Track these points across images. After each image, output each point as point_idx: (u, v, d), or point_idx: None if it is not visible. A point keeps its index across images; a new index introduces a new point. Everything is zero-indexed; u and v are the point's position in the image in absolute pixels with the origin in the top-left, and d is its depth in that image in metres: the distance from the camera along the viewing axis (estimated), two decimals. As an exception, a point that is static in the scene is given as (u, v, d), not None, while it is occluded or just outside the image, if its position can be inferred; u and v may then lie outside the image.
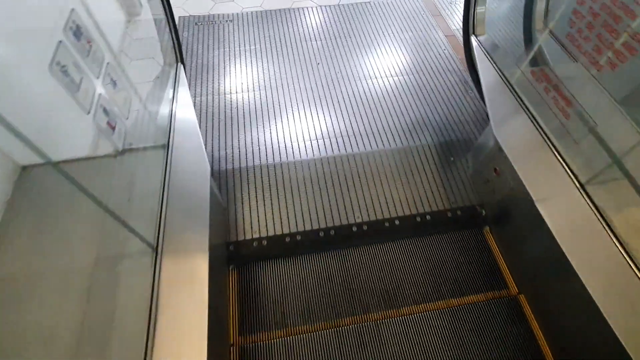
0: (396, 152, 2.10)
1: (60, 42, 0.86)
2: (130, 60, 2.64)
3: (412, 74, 2.55)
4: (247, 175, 1.98)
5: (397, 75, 2.54)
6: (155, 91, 1.96)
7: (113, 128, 1.06)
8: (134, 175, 1.40)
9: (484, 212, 1.92)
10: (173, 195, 1.47)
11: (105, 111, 1.02)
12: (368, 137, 2.18)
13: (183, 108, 1.77)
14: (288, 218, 1.84)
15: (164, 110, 1.72)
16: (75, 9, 0.95)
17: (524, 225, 1.62)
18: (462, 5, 3.06)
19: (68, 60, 0.87)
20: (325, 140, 2.15)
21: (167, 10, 1.98)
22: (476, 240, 1.83)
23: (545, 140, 1.51)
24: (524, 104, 1.62)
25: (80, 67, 0.93)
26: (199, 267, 1.37)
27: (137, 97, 1.44)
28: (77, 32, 0.94)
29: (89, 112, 0.94)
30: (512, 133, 1.64)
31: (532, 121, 1.57)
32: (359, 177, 1.98)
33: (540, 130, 1.54)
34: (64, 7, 0.91)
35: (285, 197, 1.90)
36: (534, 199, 1.48)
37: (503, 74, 1.77)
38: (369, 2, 3.12)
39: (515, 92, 1.67)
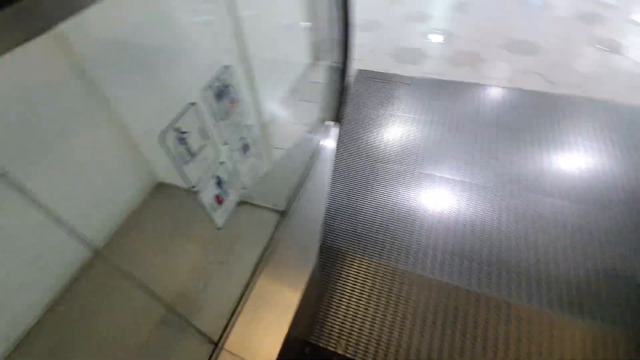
0: (578, 327, 1.39)
1: (193, 105, 0.71)
2: (297, 100, 2.71)
3: (623, 211, 1.76)
4: (360, 266, 1.63)
5: (599, 207, 1.79)
6: (299, 145, 1.84)
7: (220, 202, 0.87)
8: (232, 239, 1.23)
9: None
10: (267, 273, 1.24)
11: (218, 183, 0.84)
12: (538, 284, 1.54)
13: (320, 173, 1.58)
14: (387, 346, 1.39)
15: (298, 169, 1.55)
16: (232, 67, 0.80)
17: None
18: None
19: (192, 125, 0.72)
20: (472, 262, 1.62)
21: (344, 65, 1.86)
22: None
23: None
24: None
25: (207, 132, 0.76)
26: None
27: (269, 155, 1.30)
28: (223, 92, 0.79)
29: (193, 187, 0.76)
30: None
31: None
32: (508, 343, 1.37)
33: None
34: (213, 64, 0.77)
35: (393, 316, 1.46)
36: None
37: None
38: (582, 96, 2.42)
39: None
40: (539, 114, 2.33)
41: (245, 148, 0.94)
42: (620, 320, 1.41)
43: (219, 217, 0.89)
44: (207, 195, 0.81)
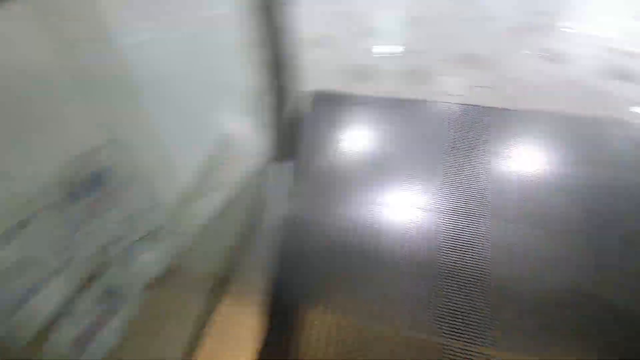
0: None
1: (23, 227, 0.45)
2: (236, 140, 2.40)
3: (583, 229, 1.71)
4: (322, 326, 1.41)
5: (559, 230, 1.73)
6: (241, 194, 1.59)
7: (101, 327, 0.62)
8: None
9: None
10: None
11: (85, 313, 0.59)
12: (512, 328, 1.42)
13: (269, 221, 1.35)
14: None
15: (239, 222, 1.31)
16: (108, 147, 0.55)
17: None
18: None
19: (21, 254, 0.46)
20: (441, 308, 1.46)
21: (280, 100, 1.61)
22: None
23: None
24: None
25: (60, 250, 0.51)
26: None
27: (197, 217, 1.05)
28: (94, 182, 0.55)
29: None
30: None
31: None
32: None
33: None
34: (83, 145, 0.52)
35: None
36: None
37: None
38: (536, 109, 2.39)
39: None
40: (496, 129, 2.27)
41: (149, 235, 0.70)
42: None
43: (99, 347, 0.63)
44: (62, 339, 0.56)
